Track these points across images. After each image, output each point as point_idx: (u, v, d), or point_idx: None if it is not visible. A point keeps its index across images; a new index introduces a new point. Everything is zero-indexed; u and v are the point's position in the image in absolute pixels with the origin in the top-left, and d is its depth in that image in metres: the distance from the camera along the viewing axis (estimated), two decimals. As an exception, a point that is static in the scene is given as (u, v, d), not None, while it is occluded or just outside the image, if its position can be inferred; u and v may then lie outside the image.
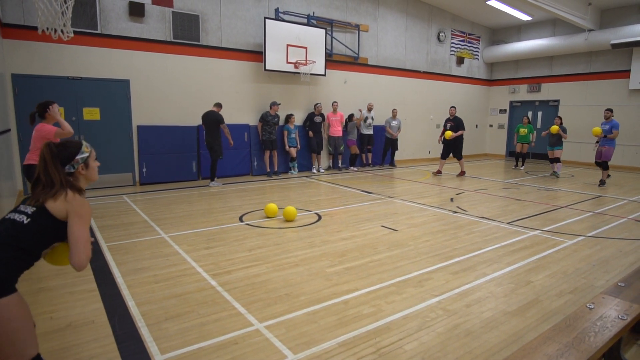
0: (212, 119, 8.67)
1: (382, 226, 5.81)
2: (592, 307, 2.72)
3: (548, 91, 14.89)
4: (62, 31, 5.06)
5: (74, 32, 7.84)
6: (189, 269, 4.14)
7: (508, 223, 6.10)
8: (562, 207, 7.28)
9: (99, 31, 8.20)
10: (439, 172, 11.15)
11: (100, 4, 8.16)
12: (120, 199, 7.53)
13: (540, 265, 4.37)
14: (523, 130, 12.51)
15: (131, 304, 3.38)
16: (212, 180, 9.00)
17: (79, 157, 2.11)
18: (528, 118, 12.88)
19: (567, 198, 8.18)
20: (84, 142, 2.19)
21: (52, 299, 3.47)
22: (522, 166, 12.95)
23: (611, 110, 9.56)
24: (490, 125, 16.82)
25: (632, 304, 2.77)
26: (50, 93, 7.77)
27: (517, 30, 15.43)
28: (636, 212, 6.91)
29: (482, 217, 6.41)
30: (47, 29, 5.03)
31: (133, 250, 4.72)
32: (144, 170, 8.93)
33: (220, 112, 8.79)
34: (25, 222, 1.91)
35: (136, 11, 8.47)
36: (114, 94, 8.52)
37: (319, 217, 6.23)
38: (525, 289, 3.75)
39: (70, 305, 3.36)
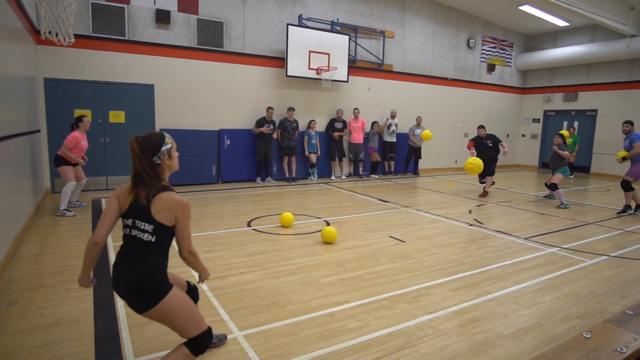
0: None
1: (390, 237, 5.64)
2: (589, 336, 2.47)
3: (585, 100, 14.14)
4: (63, 37, 5.26)
5: (104, 38, 8.26)
6: (184, 273, 4.15)
7: (525, 238, 5.78)
8: (588, 224, 6.84)
9: (126, 37, 8.51)
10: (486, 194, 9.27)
11: (128, 12, 8.47)
12: (139, 200, 7.73)
13: (551, 286, 4.09)
14: (569, 141, 12.07)
15: (120, 304, 3.42)
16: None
17: (163, 148, 2.15)
18: (574, 129, 12.61)
19: (596, 214, 7.68)
20: (165, 134, 2.22)
21: (48, 296, 3.57)
22: (571, 175, 12.70)
23: (631, 123, 7.59)
24: (523, 135, 16.15)
25: (636, 336, 2.51)
26: (78, 96, 8.14)
27: (553, 36, 14.79)
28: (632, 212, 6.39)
29: (498, 231, 6.11)
30: (49, 33, 5.26)
31: (137, 250, 4.79)
32: (165, 172, 9.13)
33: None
34: (152, 240, 2.10)
35: (162, 18, 8.73)
36: (139, 98, 8.80)
37: (327, 225, 6.14)
38: (529, 311, 3.50)
39: (63, 302, 3.44)
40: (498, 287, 4.01)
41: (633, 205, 7.71)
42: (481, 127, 9.39)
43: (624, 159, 7.57)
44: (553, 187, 8.32)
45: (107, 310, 3.31)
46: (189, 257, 2.23)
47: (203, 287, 3.77)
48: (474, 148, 9.17)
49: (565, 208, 7.99)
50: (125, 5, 8.40)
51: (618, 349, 2.39)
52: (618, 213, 7.66)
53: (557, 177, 8.31)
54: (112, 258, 4.51)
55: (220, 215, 6.69)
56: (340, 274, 4.20)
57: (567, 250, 5.29)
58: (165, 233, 2.12)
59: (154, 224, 2.08)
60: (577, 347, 2.41)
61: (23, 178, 5.68)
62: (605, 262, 4.89)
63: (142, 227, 2.09)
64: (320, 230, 5.72)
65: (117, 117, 8.60)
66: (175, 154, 2.26)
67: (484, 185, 9.35)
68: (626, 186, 7.51)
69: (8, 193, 4.68)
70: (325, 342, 2.90)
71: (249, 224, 6.13)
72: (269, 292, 3.73)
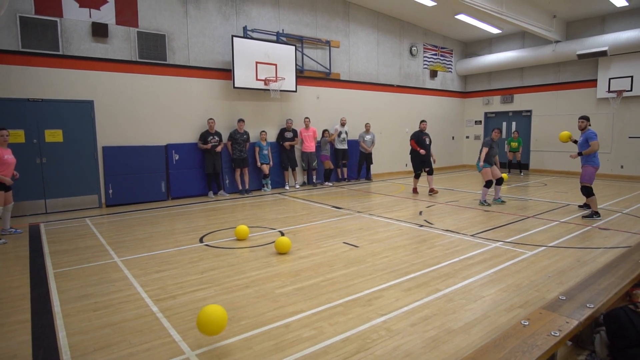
0: None
1: (344, 242, 5.72)
2: (527, 323, 2.64)
3: (521, 102, 15.12)
4: None
5: (35, 53, 7.82)
6: (133, 295, 3.98)
7: (472, 235, 6.05)
8: (529, 217, 7.28)
9: (60, 52, 8.09)
10: (415, 191, 10.14)
11: (61, 25, 8.07)
12: (82, 222, 7.33)
13: (495, 279, 4.31)
14: (514, 144, 13.95)
15: (62, 334, 3.21)
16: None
17: None
18: (518, 132, 14.15)
19: (536, 208, 8.20)
20: None
21: (-21, 333, 3.28)
22: (521, 173, 14.18)
23: (587, 119, 7.36)
24: (467, 137, 16.98)
25: (568, 319, 2.71)
26: (9, 116, 7.62)
27: (489, 43, 15.73)
28: (601, 220, 6.93)
29: (447, 230, 6.36)
30: None
31: (80, 276, 4.54)
32: (110, 191, 8.74)
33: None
34: None
35: (100, 32, 8.40)
36: (78, 115, 8.37)
37: (282, 235, 6.12)
38: (475, 305, 3.67)
39: (-3, 339, 3.18)
40: (447, 284, 4.17)
41: (593, 206, 7.21)
42: (423, 121, 10.12)
43: (579, 154, 7.31)
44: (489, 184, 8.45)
45: (47, 342, 3.10)
46: None
47: (153, 309, 3.63)
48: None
49: (488, 205, 8.35)
50: (57, 19, 7.99)
51: (552, 333, 2.57)
52: (583, 216, 7.15)
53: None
54: (52, 286, 4.24)
55: (171, 233, 6.48)
56: (295, 284, 4.20)
57: (510, 244, 5.60)
58: None
59: None
60: (517, 335, 2.56)
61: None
62: (543, 252, 5.22)
63: None
64: (274, 242, 5.69)
65: (54, 136, 8.13)
66: None
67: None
68: (588, 192, 7.17)
69: None
70: (281, 353, 2.88)
71: (201, 240, 5.99)
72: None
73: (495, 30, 14.28)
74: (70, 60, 8.21)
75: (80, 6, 8.22)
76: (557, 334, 2.52)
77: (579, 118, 7.49)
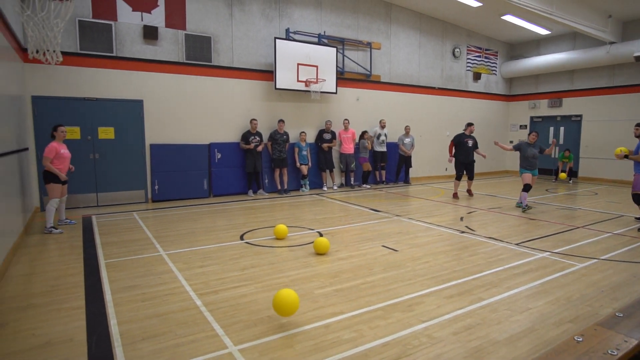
0: None
1: (383, 246, 5.67)
2: (581, 339, 2.51)
3: (570, 106, 14.42)
4: (51, 57, 5.27)
5: (91, 55, 8.26)
6: (178, 288, 4.13)
7: (516, 244, 5.84)
8: (578, 227, 6.93)
9: (114, 54, 8.52)
10: (456, 196, 9.96)
11: (115, 28, 8.50)
12: (130, 216, 7.67)
13: (543, 290, 4.13)
14: (566, 160, 13.42)
15: (113, 322, 3.38)
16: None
17: None
18: (569, 150, 13.46)
19: (585, 217, 7.79)
20: None
21: (39, 316, 3.51)
22: (569, 180, 13.48)
23: None
24: (511, 142, 16.37)
25: (626, 338, 2.55)
26: (67, 114, 8.10)
27: (536, 44, 15.12)
28: (659, 234, 6.50)
29: (490, 238, 6.17)
30: (37, 52, 5.27)
31: (129, 267, 4.76)
32: (156, 187, 9.10)
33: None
34: None
35: (150, 34, 8.77)
36: (128, 113, 8.78)
37: (320, 236, 6.15)
38: (522, 316, 3.54)
39: (55, 322, 3.39)
40: (491, 293, 4.04)
41: None
42: (471, 124, 10.15)
43: (626, 156, 7.08)
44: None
45: (100, 329, 3.27)
46: None
47: (197, 303, 3.75)
48: (454, 148, 10.08)
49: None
50: (112, 22, 8.43)
51: (609, 352, 2.43)
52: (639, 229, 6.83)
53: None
54: (104, 275, 4.47)
55: (212, 229, 6.66)
56: (334, 285, 4.21)
57: (558, 255, 5.35)
58: None
59: None
60: (569, 351, 2.44)
61: (12, 196, 5.61)
62: (595, 265, 4.95)
63: None
64: (313, 242, 5.73)
65: (106, 133, 8.56)
66: None
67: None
68: (638, 200, 7.06)
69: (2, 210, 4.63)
70: (322, 353, 2.89)
71: (241, 237, 6.12)
72: (263, 305, 3.72)
73: (544, 31, 13.70)
74: (122, 62, 8.63)
75: (133, 10, 8.62)
76: (615, 353, 2.38)
77: (636, 125, 7.25)
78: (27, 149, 7.40)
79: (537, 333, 3.24)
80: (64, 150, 6.59)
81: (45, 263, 4.90)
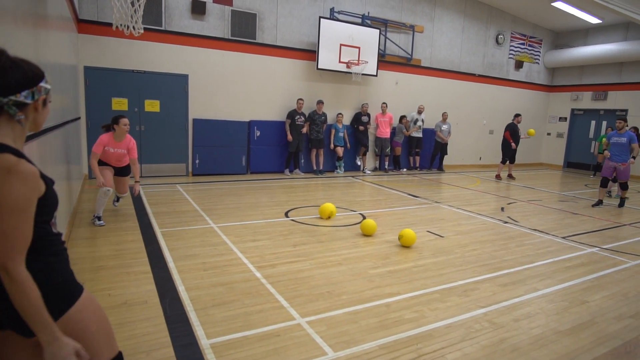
0: None
1: (428, 231, 5.70)
2: (657, 334, 2.52)
3: (615, 100, 13.89)
4: (133, 27, 5.39)
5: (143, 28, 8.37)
6: (236, 260, 4.28)
7: (563, 237, 5.77)
8: (625, 225, 6.79)
9: (163, 28, 8.64)
10: (499, 177, 11.52)
11: (165, 2, 8.59)
12: (174, 188, 7.90)
13: (597, 285, 4.11)
14: (606, 141, 11.95)
15: (181, 288, 3.55)
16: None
17: (42, 84, 1.39)
18: (612, 128, 12.27)
19: (631, 216, 7.61)
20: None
21: (111, 278, 3.71)
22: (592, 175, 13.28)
23: (625, 120, 8.11)
24: (548, 134, 15.95)
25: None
26: (116, 85, 8.30)
27: (584, 33, 14.52)
28: None
29: (535, 230, 6.12)
30: (121, 25, 5.38)
31: (184, 237, 4.94)
32: (197, 161, 9.30)
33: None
34: None
35: (198, 9, 8.83)
36: (174, 87, 8.94)
37: (364, 218, 6.21)
38: (579, 309, 3.54)
39: (126, 284, 3.58)
40: (545, 284, 4.05)
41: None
42: (519, 115, 11.55)
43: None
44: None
45: (170, 294, 3.44)
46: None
47: (257, 275, 3.89)
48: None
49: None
50: (163, -4, 8.51)
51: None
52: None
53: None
54: (162, 244, 4.65)
55: (257, 205, 6.81)
56: (386, 266, 4.28)
57: (607, 251, 5.28)
58: None
59: None
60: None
61: (72, 163, 5.86)
62: (648, 263, 4.88)
63: None
64: (358, 223, 5.81)
65: (152, 106, 8.76)
66: (48, 108, 1.48)
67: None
68: (606, 184, 8.35)
69: (63, 177, 4.85)
70: (387, 330, 2.98)
71: (286, 215, 6.24)
72: (320, 281, 3.83)
73: (594, 20, 13.12)
74: (170, 36, 8.74)
75: (182, -16, 8.67)
76: (695, 350, 2.39)
77: (617, 120, 8.24)
78: (79, 118, 7.67)
79: (599, 326, 3.25)
80: (115, 150, 5.27)
81: (104, 229, 5.13)
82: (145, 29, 8.35)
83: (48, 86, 1.43)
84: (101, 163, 5.34)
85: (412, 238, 4.93)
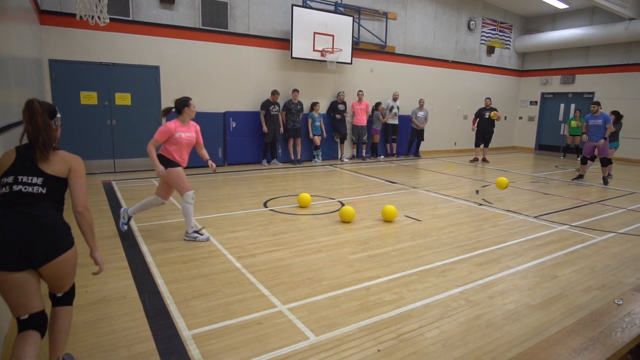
0: None
1: (406, 216, 5.79)
2: (621, 303, 2.66)
3: (583, 83, 14.33)
4: (98, 17, 5.21)
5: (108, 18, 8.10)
6: (215, 251, 4.26)
7: (535, 217, 5.98)
8: (592, 203, 7.07)
9: (131, 18, 8.38)
10: (476, 160, 11.99)
11: (132, -9, 8.32)
12: (149, 182, 7.75)
13: (567, 261, 4.29)
14: (574, 123, 12.84)
15: (160, 281, 3.52)
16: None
17: (58, 115, 2.31)
18: (580, 112, 12.90)
19: (598, 194, 7.93)
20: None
21: (87, 274, 3.61)
22: (578, 158, 13.01)
23: (598, 104, 8.79)
24: (520, 118, 16.36)
25: (662, 302, 2.70)
26: (84, 78, 8.04)
27: (552, 18, 14.86)
28: (672, 210, 6.64)
29: (508, 210, 6.30)
30: (85, 15, 5.19)
31: (161, 231, 4.88)
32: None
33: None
34: (43, 192, 2.12)
35: (167, -2, 8.59)
36: (145, 79, 8.72)
37: (342, 205, 6.26)
38: (550, 283, 3.69)
39: (104, 280, 3.52)
40: (518, 262, 4.19)
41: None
42: (488, 98, 11.91)
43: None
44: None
45: (149, 288, 3.40)
46: (85, 213, 2.29)
47: (237, 265, 3.89)
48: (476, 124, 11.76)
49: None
50: (129, -15, 8.24)
51: (652, 313, 2.57)
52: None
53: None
54: (140, 239, 4.58)
55: (235, 196, 6.77)
56: (366, 251, 4.34)
57: (577, 228, 5.50)
58: (55, 185, 2.15)
59: (43, 176, 2.11)
60: (612, 313, 2.59)
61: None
62: (614, 238, 5.10)
63: (27, 181, 2.07)
64: (336, 211, 5.86)
65: (123, 99, 8.53)
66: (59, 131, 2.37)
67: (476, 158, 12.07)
68: (586, 161, 9.15)
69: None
70: (367, 313, 3.04)
71: (265, 205, 6.23)
72: (301, 268, 3.86)
73: (562, 5, 13.44)
74: (139, 26, 8.49)
75: (149, -28, 8.41)
76: (655, 315, 2.53)
77: (592, 104, 8.91)
78: (46, 113, 7.39)
79: (568, 299, 3.40)
80: (187, 135, 4.65)
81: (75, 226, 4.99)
82: (111, 19, 8.10)
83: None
84: (164, 160, 4.46)
85: (393, 212, 5.29)
